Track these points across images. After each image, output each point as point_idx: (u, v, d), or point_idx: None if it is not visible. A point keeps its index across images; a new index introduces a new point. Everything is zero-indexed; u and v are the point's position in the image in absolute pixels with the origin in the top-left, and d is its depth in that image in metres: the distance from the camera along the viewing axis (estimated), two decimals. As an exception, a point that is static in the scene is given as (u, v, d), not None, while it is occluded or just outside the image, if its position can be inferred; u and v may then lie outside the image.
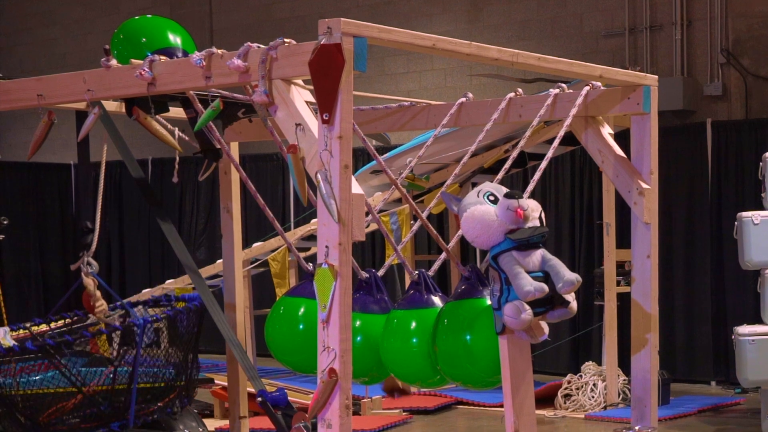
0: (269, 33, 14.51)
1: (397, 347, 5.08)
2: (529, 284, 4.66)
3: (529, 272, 4.73)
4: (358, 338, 5.08)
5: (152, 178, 16.19)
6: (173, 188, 16.10)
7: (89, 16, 17.84)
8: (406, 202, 11.19)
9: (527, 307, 4.70)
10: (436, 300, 5.14)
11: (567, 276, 4.73)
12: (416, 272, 5.21)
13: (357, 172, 11.39)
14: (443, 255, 5.48)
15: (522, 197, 4.82)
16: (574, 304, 4.84)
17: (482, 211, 4.80)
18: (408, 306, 5.13)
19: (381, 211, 10.60)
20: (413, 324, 5.05)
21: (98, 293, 6.43)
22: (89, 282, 6.39)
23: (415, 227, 5.78)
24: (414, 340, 5.03)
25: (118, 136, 5.95)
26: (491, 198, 4.85)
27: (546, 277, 4.77)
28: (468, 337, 4.92)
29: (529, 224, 4.82)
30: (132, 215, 16.46)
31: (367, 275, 5.27)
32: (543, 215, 4.92)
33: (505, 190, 4.88)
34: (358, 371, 4.81)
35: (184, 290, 11.91)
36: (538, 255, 4.80)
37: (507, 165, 5.67)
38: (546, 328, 4.95)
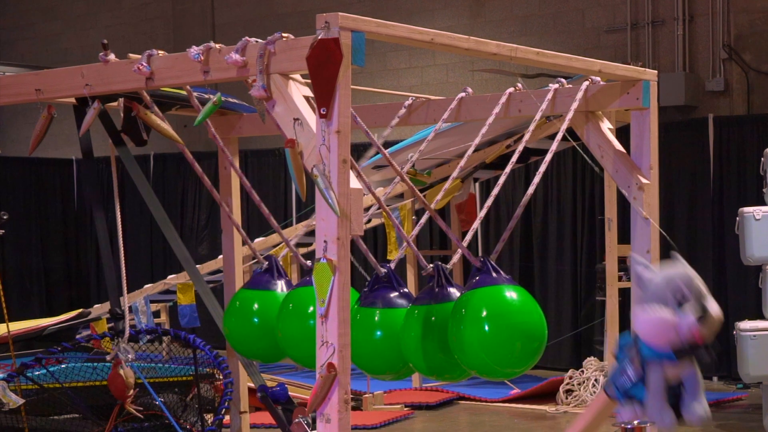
0: (271, 28, 14.49)
1: (414, 342, 5.02)
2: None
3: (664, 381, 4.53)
4: (378, 333, 5.06)
5: (154, 173, 16.20)
6: (175, 184, 16.10)
7: (91, 11, 17.85)
8: (412, 196, 11.23)
9: (675, 418, 4.52)
10: (454, 293, 5.08)
11: (698, 411, 4.52)
12: (431, 265, 5.16)
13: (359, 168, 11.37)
14: (458, 250, 5.44)
15: (710, 316, 4.53)
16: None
17: (663, 315, 4.49)
18: (427, 301, 5.07)
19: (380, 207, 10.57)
20: (432, 318, 4.99)
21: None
22: (129, 373, 5.93)
23: (423, 220, 5.75)
24: (431, 335, 4.98)
25: (115, 130, 5.94)
26: (680, 297, 4.53)
27: (678, 387, 4.56)
28: (485, 326, 4.84)
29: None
30: (134, 210, 16.45)
31: (385, 270, 5.23)
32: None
33: (703, 292, 4.59)
34: (381, 367, 4.86)
35: (186, 285, 11.90)
36: (688, 370, 4.57)
37: (514, 159, 5.64)
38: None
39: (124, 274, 6.20)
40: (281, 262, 5.88)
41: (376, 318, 5.05)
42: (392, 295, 5.16)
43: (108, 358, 6.05)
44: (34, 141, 5.55)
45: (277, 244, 11.96)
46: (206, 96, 6.02)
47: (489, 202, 5.43)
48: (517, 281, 5.09)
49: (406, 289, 5.22)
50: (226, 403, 6.05)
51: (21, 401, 5.97)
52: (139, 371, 6.19)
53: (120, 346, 5.98)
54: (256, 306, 5.64)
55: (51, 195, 17.19)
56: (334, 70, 4.13)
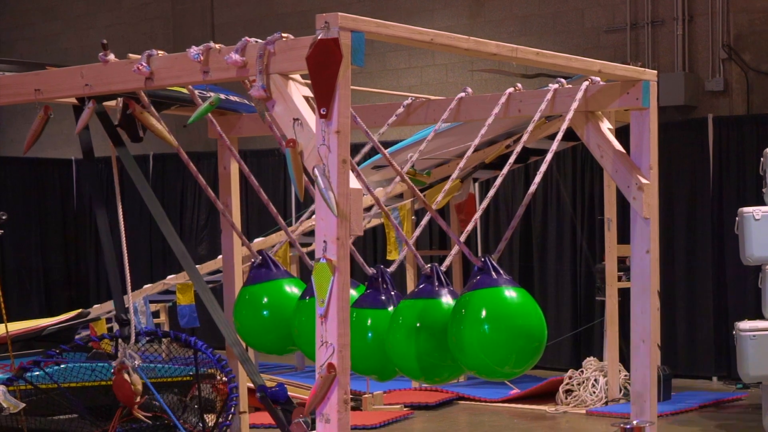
0: (271, 28, 14.49)
1: (401, 341, 5.01)
2: None
3: None
4: (369, 335, 5.06)
5: (153, 173, 16.19)
6: (175, 184, 16.09)
7: (91, 11, 17.85)
8: (412, 196, 11.22)
9: None
10: (444, 293, 5.06)
11: None
12: (428, 266, 5.15)
13: (359, 167, 11.36)
14: (455, 248, 5.43)
15: None
16: None
17: None
18: (414, 297, 5.06)
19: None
20: (419, 317, 4.98)
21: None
22: (137, 380, 5.87)
23: (425, 221, 5.74)
24: (419, 334, 4.97)
25: (113, 129, 5.93)
26: None
27: None
28: (485, 327, 4.82)
29: None
30: (133, 210, 16.45)
31: (374, 271, 5.23)
32: None
33: None
34: (368, 368, 4.85)
35: (186, 285, 11.90)
36: None
37: (511, 160, 5.64)
38: None
39: (128, 277, 6.19)
40: (279, 260, 5.92)
41: (361, 320, 5.05)
42: (380, 297, 5.17)
43: (114, 363, 6.01)
44: (29, 140, 5.54)
45: (275, 245, 11.94)
46: (207, 94, 6.01)
47: (484, 204, 5.44)
48: (517, 281, 5.09)
49: (394, 292, 5.23)
50: (232, 409, 6.04)
51: (21, 405, 5.93)
52: (140, 371, 6.17)
53: (126, 352, 5.92)
54: (265, 299, 5.77)
55: (51, 195, 17.19)
56: (334, 70, 4.12)
